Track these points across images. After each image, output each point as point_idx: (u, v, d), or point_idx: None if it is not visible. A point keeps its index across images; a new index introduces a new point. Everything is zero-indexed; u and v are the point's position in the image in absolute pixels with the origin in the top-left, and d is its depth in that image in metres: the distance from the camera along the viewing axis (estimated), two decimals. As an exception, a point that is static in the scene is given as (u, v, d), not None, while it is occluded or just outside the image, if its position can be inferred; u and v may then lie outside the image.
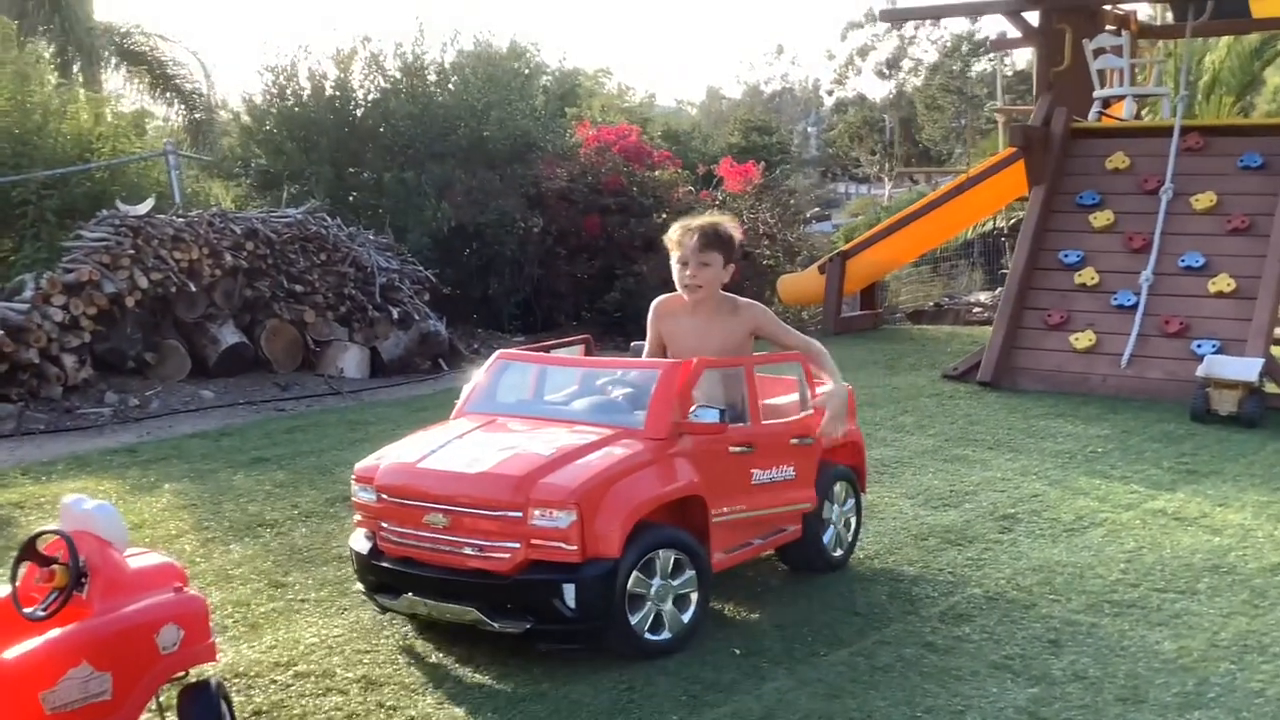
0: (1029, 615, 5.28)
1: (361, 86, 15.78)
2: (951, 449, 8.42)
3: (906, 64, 56.24)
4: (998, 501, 7.06)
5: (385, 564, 4.94)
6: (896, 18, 33.73)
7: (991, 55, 20.74)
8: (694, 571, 4.88)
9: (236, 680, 4.67)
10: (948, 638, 5.03)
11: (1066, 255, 10.98)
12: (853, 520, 6.00)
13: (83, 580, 3.82)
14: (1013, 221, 18.74)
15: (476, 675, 4.71)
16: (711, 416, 4.93)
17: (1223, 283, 10.15)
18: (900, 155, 52.71)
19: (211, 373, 11.56)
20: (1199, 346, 9.93)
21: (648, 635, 4.77)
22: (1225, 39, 17.98)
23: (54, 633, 3.70)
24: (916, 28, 51.24)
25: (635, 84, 77.69)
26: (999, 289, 18.41)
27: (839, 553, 5.87)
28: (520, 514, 4.58)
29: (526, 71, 17.42)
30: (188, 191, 14.26)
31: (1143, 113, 13.63)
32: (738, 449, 5.18)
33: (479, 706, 4.42)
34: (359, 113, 15.57)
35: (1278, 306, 9.84)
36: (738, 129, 39.48)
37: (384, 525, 4.94)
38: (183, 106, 25.39)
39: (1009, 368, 10.67)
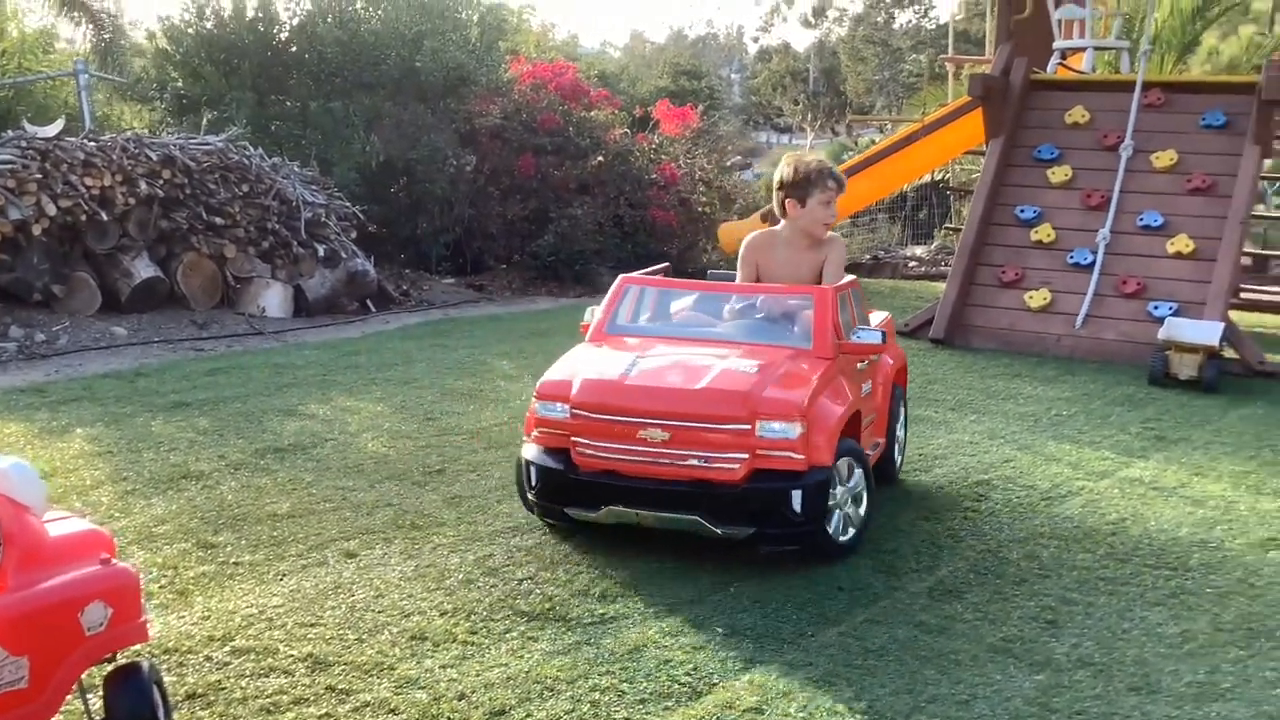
0: (1021, 592, 4.97)
1: (286, 9, 14.99)
2: (912, 409, 8.04)
3: (832, 13, 56.03)
4: (969, 466, 6.76)
5: (583, 478, 5.09)
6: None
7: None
8: (861, 469, 5.28)
9: (166, 657, 4.18)
10: (939, 616, 4.70)
11: (1023, 211, 10.68)
12: (904, 434, 6.58)
13: (-6, 550, 3.31)
14: (944, 176, 18.46)
15: (434, 655, 4.27)
16: (874, 338, 5.42)
17: (1181, 243, 9.92)
18: (823, 106, 52.43)
19: (124, 308, 10.88)
20: (1155, 308, 9.71)
21: (841, 539, 5.19)
22: (1168, -1, 17.77)
23: (-40, 612, 3.19)
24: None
25: (558, 23, 76.54)
26: (934, 243, 18.23)
27: (898, 461, 6.49)
28: (749, 426, 4.85)
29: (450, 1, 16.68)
30: (98, 115, 13.43)
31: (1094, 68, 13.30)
32: (861, 364, 5.67)
33: (441, 693, 3.98)
34: (283, 36, 14.79)
35: (1237, 269, 9.64)
36: (666, 72, 38.85)
37: (580, 441, 5.07)
38: (91, 26, 24.12)
39: (961, 325, 10.38)
